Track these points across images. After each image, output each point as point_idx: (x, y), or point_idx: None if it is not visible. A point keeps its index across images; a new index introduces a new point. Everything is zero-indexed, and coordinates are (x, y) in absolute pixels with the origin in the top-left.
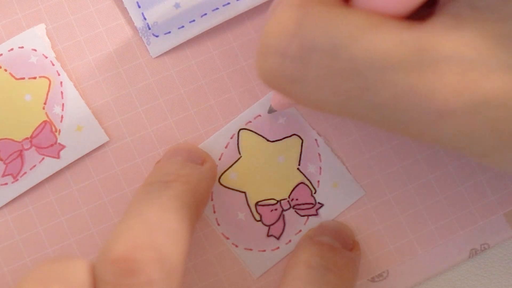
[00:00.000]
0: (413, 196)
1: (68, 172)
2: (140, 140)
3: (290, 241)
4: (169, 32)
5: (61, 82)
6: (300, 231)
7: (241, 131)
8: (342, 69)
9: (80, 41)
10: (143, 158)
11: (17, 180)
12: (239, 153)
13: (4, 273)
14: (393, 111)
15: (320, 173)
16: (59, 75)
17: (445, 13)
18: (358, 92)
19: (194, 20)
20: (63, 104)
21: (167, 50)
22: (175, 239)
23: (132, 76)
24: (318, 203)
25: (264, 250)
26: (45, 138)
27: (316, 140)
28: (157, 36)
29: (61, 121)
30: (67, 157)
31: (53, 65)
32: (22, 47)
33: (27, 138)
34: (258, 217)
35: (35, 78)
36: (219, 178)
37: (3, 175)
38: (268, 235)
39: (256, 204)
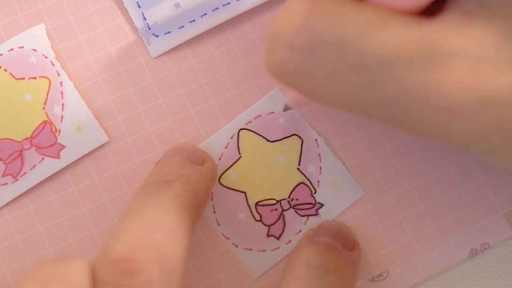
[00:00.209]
0: (413, 196)
1: (68, 172)
2: (140, 140)
3: (290, 241)
4: (169, 32)
5: (61, 82)
6: (300, 231)
7: (241, 131)
8: (349, 63)
9: (80, 41)
10: (143, 158)
11: (17, 180)
12: (239, 153)
13: (4, 273)
14: (400, 107)
15: (320, 173)
16: (59, 75)
17: (454, 9)
18: (365, 87)
19: (194, 20)
20: (63, 104)
21: (167, 50)
22: (175, 239)
23: (132, 76)
24: (318, 203)
25: (264, 250)
26: (45, 138)
27: (316, 140)
28: (157, 36)
29: (61, 121)
30: (67, 157)
31: (53, 65)
32: (22, 47)
33: (27, 138)
34: (258, 217)
35: (35, 78)
36: (219, 178)
37: (3, 175)
38: (268, 235)
39: (256, 204)
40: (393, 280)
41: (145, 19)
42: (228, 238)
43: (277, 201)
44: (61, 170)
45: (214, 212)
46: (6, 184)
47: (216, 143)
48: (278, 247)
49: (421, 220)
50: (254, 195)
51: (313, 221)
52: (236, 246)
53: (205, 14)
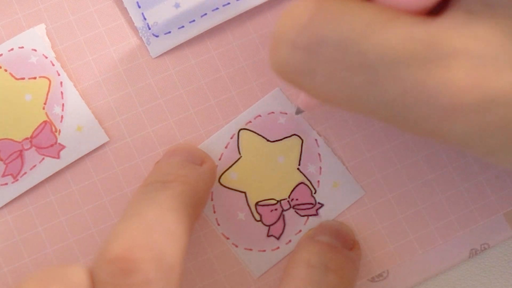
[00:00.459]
0: (413, 196)
1: (68, 172)
2: (140, 140)
3: (290, 241)
4: (169, 32)
5: (61, 82)
6: (300, 231)
7: (241, 131)
8: (351, 62)
9: (80, 41)
10: (143, 158)
11: (17, 180)
12: (239, 153)
13: (4, 273)
14: (402, 106)
15: (320, 173)
16: (59, 75)
17: (457, 9)
18: (367, 86)
19: (194, 20)
20: (63, 104)
21: (167, 50)
22: (173, 238)
23: (132, 76)
24: (318, 203)
25: (264, 250)
26: (45, 138)
27: (316, 140)
28: (157, 36)
29: (61, 121)
30: (67, 157)
31: (53, 65)
32: (22, 47)
33: (27, 138)
34: (258, 217)
35: (35, 78)
36: (219, 178)
37: (3, 175)
38: (268, 235)
39: (256, 204)
40: (393, 280)
41: (145, 19)
42: (228, 238)
43: (277, 201)
44: (61, 170)
45: (214, 212)
46: (6, 184)
47: (216, 143)
48: (278, 247)
49: (421, 220)
50: (254, 195)
51: (313, 221)
52: (236, 246)
53: (205, 14)
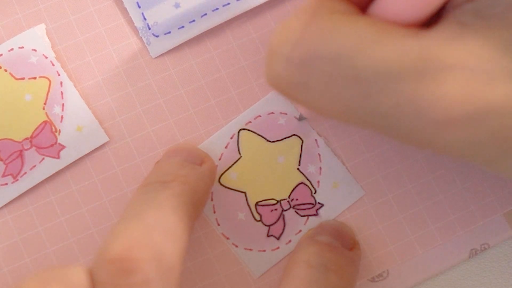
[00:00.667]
0: (413, 196)
1: (68, 172)
2: (140, 140)
3: (290, 241)
4: (169, 32)
5: (61, 82)
6: (300, 231)
7: (241, 131)
8: (344, 77)
9: (80, 41)
10: (143, 158)
11: (17, 180)
12: (239, 153)
13: (4, 273)
14: (395, 120)
15: (320, 173)
16: (59, 75)
17: (450, 20)
18: (360, 100)
19: (194, 20)
20: (63, 104)
21: (167, 50)
22: (173, 238)
23: (132, 76)
24: (318, 203)
25: (264, 250)
26: (45, 138)
27: (316, 140)
28: (157, 36)
29: (61, 121)
30: (67, 157)
31: (53, 65)
32: (22, 47)
33: (27, 138)
34: (258, 217)
35: (35, 78)
36: (219, 178)
37: (3, 175)
38: (268, 235)
39: (256, 204)
40: (393, 280)
41: (145, 19)
42: (228, 238)
43: (277, 201)
44: (61, 170)
45: (214, 212)
46: (6, 184)
47: (216, 143)
48: (278, 247)
49: (421, 220)
50: (254, 195)
51: (313, 221)
52: (236, 246)
53: (205, 14)
